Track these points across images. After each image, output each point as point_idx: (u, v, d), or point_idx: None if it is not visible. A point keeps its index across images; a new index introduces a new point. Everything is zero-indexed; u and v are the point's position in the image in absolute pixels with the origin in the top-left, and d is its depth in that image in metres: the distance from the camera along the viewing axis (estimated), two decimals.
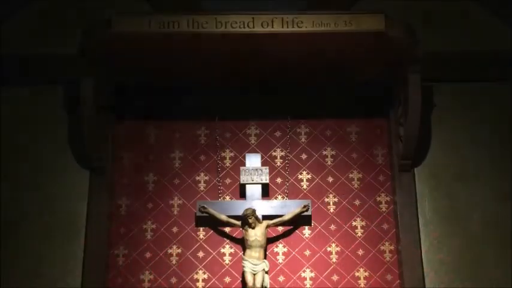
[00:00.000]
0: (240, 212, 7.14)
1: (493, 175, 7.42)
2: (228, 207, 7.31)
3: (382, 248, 7.34)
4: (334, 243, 7.35)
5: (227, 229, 7.37)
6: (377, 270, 7.27)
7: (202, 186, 7.54)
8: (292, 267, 7.28)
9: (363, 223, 7.41)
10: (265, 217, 7.22)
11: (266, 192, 7.44)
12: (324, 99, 7.73)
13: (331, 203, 7.47)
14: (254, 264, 6.98)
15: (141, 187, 7.54)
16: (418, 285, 7.05)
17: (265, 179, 7.39)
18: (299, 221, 7.33)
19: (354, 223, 7.41)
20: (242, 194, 7.43)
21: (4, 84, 7.62)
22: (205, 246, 7.34)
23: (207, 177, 7.57)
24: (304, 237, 7.37)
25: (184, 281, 7.23)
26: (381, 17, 6.82)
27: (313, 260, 7.30)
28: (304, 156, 7.63)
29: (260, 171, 7.41)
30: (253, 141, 7.69)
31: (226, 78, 7.53)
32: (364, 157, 7.63)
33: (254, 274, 6.96)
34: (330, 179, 7.55)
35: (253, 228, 7.06)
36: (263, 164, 7.51)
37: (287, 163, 7.60)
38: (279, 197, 7.49)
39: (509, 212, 7.29)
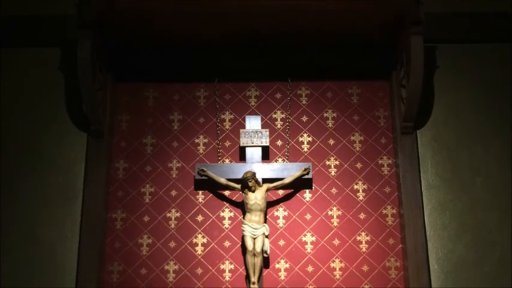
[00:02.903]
0: (239, 175, 7.04)
1: (496, 138, 7.30)
2: (228, 170, 7.20)
3: (384, 211, 7.23)
4: (336, 206, 7.24)
5: (226, 192, 7.27)
6: (379, 234, 7.17)
7: (201, 149, 7.42)
8: (293, 231, 7.18)
9: (365, 186, 7.30)
10: (265, 180, 7.11)
11: (266, 155, 7.33)
12: (324, 60, 7.56)
13: (332, 166, 7.36)
14: (254, 228, 6.88)
15: (139, 150, 7.42)
16: (421, 249, 6.93)
17: (266, 141, 7.26)
18: (300, 184, 7.22)
19: (355, 186, 7.30)
20: (242, 157, 7.32)
21: (2, 46, 7.51)
22: (205, 209, 7.24)
23: (206, 140, 7.46)
24: (304, 200, 7.27)
25: (183, 245, 7.12)
26: None
27: (314, 224, 7.19)
28: (305, 119, 7.51)
29: (260, 134, 7.29)
30: (253, 103, 7.58)
31: (226, 40, 7.39)
32: (366, 119, 7.50)
33: (254, 238, 6.87)
34: (331, 142, 7.43)
35: (253, 191, 6.96)
36: (263, 126, 7.39)
37: (287, 125, 7.48)
38: (280, 159, 7.38)
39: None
